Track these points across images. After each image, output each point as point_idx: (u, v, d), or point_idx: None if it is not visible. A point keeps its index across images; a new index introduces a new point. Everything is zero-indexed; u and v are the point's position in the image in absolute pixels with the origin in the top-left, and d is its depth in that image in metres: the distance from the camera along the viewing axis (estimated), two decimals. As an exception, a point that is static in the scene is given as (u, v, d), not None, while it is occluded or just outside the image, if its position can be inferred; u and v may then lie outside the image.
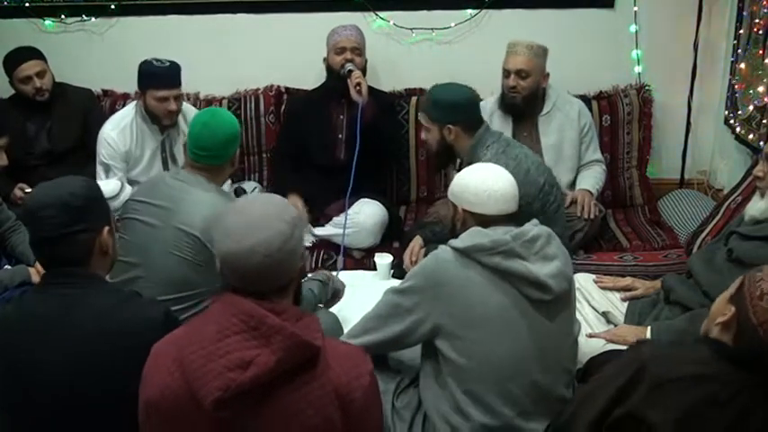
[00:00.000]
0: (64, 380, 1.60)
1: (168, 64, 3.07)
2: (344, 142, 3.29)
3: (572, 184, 3.25)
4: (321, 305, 2.41)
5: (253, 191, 3.48)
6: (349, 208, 3.15)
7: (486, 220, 1.96)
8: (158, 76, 3.05)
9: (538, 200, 2.59)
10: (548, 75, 3.18)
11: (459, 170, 3.11)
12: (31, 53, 3.38)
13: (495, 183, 1.98)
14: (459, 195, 2.04)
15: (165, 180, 2.35)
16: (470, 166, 2.10)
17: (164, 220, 2.25)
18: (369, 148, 3.06)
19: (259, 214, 1.45)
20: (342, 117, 3.33)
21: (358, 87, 3.14)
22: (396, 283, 2.01)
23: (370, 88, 3.34)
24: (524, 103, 3.15)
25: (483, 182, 1.98)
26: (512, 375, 1.87)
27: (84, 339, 1.61)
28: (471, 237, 1.90)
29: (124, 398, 1.57)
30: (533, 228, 1.94)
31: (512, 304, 1.86)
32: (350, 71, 3.21)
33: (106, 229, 1.72)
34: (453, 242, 1.92)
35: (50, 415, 1.61)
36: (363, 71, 3.31)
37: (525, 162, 2.60)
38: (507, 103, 3.18)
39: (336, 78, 3.28)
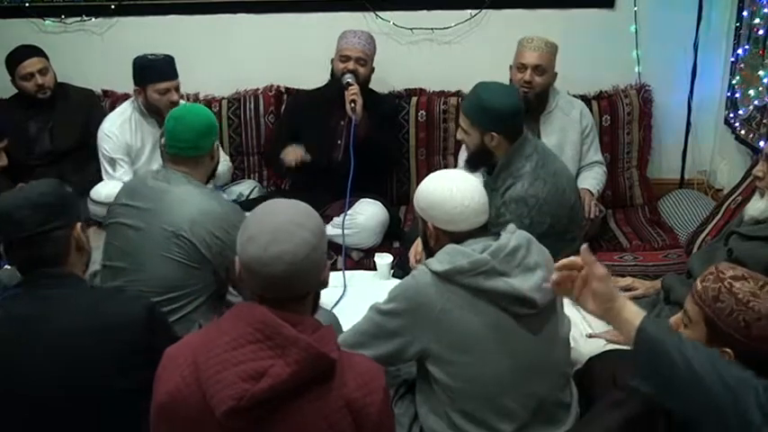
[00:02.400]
0: (50, 380, 1.60)
1: (162, 56, 3.10)
2: (343, 147, 3.26)
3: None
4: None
5: (252, 191, 3.48)
6: (349, 208, 3.16)
7: (459, 237, 1.88)
8: (157, 69, 3.08)
9: (566, 218, 2.54)
10: (556, 74, 3.18)
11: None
12: (34, 51, 3.40)
13: (464, 197, 1.86)
14: (427, 212, 1.93)
15: (145, 182, 2.32)
16: (432, 177, 1.97)
17: (148, 222, 2.23)
18: (366, 158, 3.07)
19: (285, 221, 1.43)
20: (342, 123, 3.28)
21: (352, 105, 3.11)
22: (396, 282, 1.98)
23: (373, 94, 3.34)
24: (536, 100, 3.13)
25: (451, 198, 1.86)
26: (505, 391, 1.83)
27: (68, 339, 1.61)
28: (450, 258, 1.82)
29: (111, 393, 1.59)
30: (511, 238, 1.86)
31: (497, 323, 1.81)
32: (348, 84, 3.17)
33: (79, 224, 1.74)
34: (432, 265, 1.83)
35: (37, 416, 1.61)
36: (367, 81, 3.29)
37: (561, 181, 2.53)
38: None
39: (337, 84, 3.26)
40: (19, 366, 1.61)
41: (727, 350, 1.52)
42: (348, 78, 3.19)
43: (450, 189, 1.88)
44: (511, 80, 3.17)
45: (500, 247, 1.83)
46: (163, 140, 2.33)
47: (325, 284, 1.54)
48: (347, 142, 3.11)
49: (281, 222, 1.42)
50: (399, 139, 3.61)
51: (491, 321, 1.81)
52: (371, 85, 3.40)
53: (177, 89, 3.13)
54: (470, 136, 2.53)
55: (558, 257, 2.53)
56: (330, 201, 3.23)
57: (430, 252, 1.97)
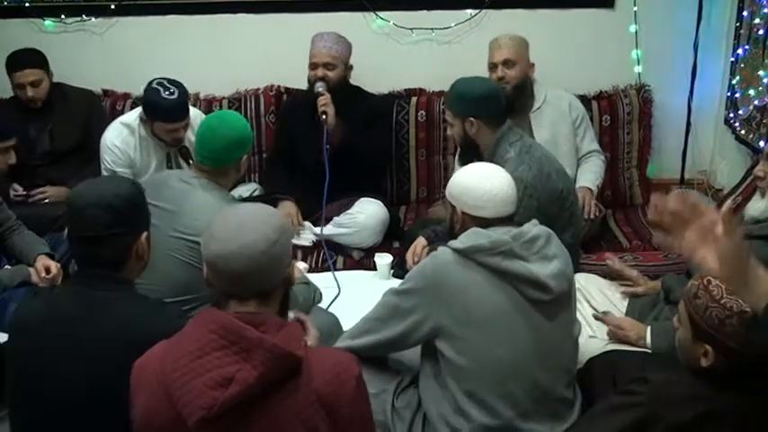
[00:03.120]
0: (81, 382, 1.59)
1: (176, 94, 2.86)
2: (339, 147, 3.20)
3: (573, 180, 3.24)
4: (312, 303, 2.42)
5: (253, 192, 3.48)
6: (350, 208, 3.16)
7: (484, 223, 1.96)
8: (167, 111, 2.90)
9: (555, 205, 2.58)
10: (533, 65, 3.19)
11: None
12: (30, 60, 3.36)
13: (494, 186, 1.96)
14: (457, 198, 2.02)
15: (168, 182, 2.34)
16: (467, 167, 2.08)
17: (166, 222, 2.24)
18: (349, 161, 3.08)
19: (246, 219, 1.47)
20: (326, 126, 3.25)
21: (324, 116, 3.09)
22: (396, 282, 2.00)
23: (358, 94, 3.32)
24: (515, 94, 3.14)
25: (481, 185, 1.96)
26: (512, 375, 1.86)
27: (106, 345, 1.60)
28: (471, 237, 1.90)
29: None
30: (533, 228, 1.94)
31: (511, 304, 1.86)
32: (318, 94, 3.14)
33: (144, 234, 1.73)
34: (453, 243, 1.91)
35: (63, 416, 1.61)
36: (343, 83, 3.24)
37: (547, 166, 2.58)
38: None
39: (312, 90, 3.23)
40: (53, 365, 1.61)
41: (707, 347, 1.54)
42: (319, 88, 3.16)
43: (482, 177, 1.99)
44: None
45: (521, 232, 1.91)
46: (194, 141, 2.35)
47: (290, 282, 1.55)
48: (320, 149, 3.08)
49: (241, 220, 1.46)
50: (389, 137, 3.56)
51: (507, 301, 1.86)
52: (367, 84, 3.38)
53: (186, 127, 2.99)
54: (454, 127, 2.64)
55: None
56: (327, 202, 3.22)
57: (454, 238, 2.01)
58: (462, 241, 1.90)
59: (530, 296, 1.87)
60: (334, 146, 3.08)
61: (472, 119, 2.57)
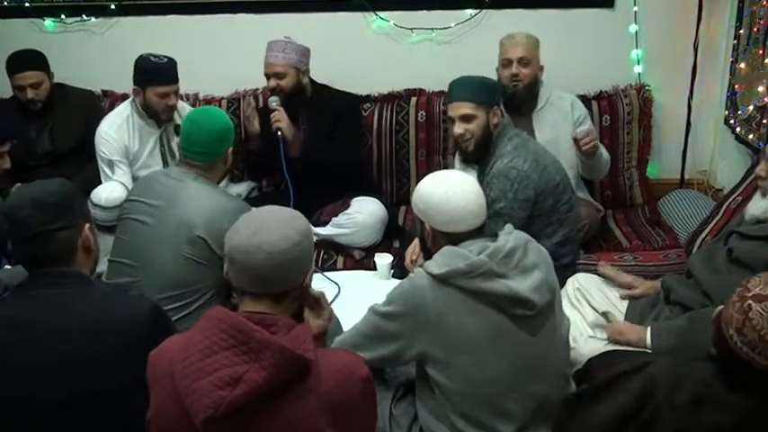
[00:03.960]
0: (52, 380, 1.59)
1: (166, 60, 3.08)
2: (301, 159, 3.18)
3: (575, 180, 3.23)
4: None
5: (251, 191, 3.48)
6: (348, 208, 3.16)
7: (456, 238, 1.89)
8: (159, 73, 3.06)
9: (551, 197, 2.60)
10: (542, 67, 3.19)
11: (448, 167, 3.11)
12: (31, 62, 3.37)
13: (461, 199, 1.87)
14: (425, 213, 1.93)
15: (158, 179, 2.36)
16: (429, 179, 1.96)
17: (159, 218, 2.25)
18: (319, 167, 3.11)
19: (271, 217, 1.50)
20: (302, 127, 3.24)
21: (279, 132, 3.08)
22: (395, 282, 1.99)
23: (323, 94, 3.28)
24: (525, 93, 3.15)
25: (448, 199, 1.87)
26: (505, 393, 1.83)
27: (71, 339, 1.60)
28: (447, 260, 1.82)
29: (114, 393, 1.58)
30: (508, 239, 1.86)
31: (495, 325, 1.81)
32: (271, 110, 3.11)
33: (87, 225, 1.72)
34: (429, 267, 1.83)
35: (39, 416, 1.61)
36: (298, 89, 3.19)
37: (543, 158, 2.62)
38: (508, 94, 3.15)
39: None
40: (17, 369, 1.60)
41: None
42: (272, 103, 3.14)
43: (448, 191, 1.89)
44: (498, 80, 3.18)
45: (497, 248, 1.83)
46: (178, 140, 2.37)
47: (305, 291, 1.56)
48: (303, 150, 3.09)
49: (267, 219, 1.50)
50: (355, 136, 3.44)
51: (489, 323, 1.81)
52: (362, 85, 3.37)
53: (176, 93, 3.13)
54: (478, 119, 2.58)
55: (547, 241, 2.59)
56: (322, 204, 3.23)
57: (427, 252, 1.97)
58: (438, 264, 1.82)
59: (513, 313, 1.81)
60: (294, 157, 3.08)
61: (496, 108, 2.59)
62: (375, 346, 1.88)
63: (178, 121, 3.18)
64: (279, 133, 3.08)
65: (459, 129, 2.61)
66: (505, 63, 3.15)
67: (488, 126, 2.59)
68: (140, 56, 3.09)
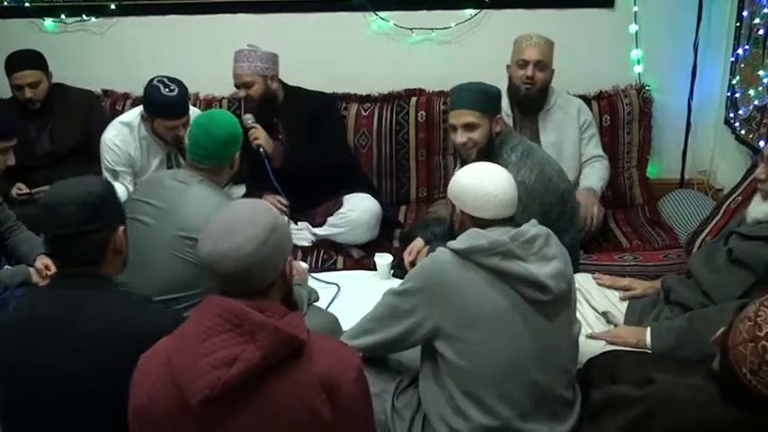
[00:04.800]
0: (68, 382, 1.59)
1: (176, 91, 2.90)
2: (284, 169, 3.14)
3: (575, 184, 3.24)
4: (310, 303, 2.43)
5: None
6: (341, 207, 3.17)
7: (483, 223, 1.95)
8: (167, 108, 2.92)
9: (557, 207, 2.58)
10: (553, 71, 3.19)
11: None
12: (30, 61, 3.36)
13: (494, 188, 1.94)
14: (457, 197, 2.01)
15: (162, 181, 2.36)
16: (469, 167, 2.07)
17: (161, 220, 2.25)
18: (305, 170, 3.10)
19: (234, 219, 1.49)
20: (279, 137, 3.22)
21: (260, 149, 3.07)
22: (396, 282, 2.00)
23: (297, 96, 3.25)
24: (538, 96, 3.15)
25: (482, 186, 1.95)
26: (511, 376, 1.86)
27: (91, 343, 1.60)
28: (469, 238, 1.89)
29: (121, 401, 1.57)
30: (532, 228, 1.93)
31: (510, 305, 1.85)
32: (247, 128, 3.07)
33: (121, 228, 1.74)
34: (451, 244, 1.90)
35: (52, 417, 1.61)
36: (269, 94, 3.16)
37: (549, 169, 2.57)
38: (521, 96, 3.15)
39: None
40: (38, 366, 1.61)
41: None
42: (248, 121, 3.11)
43: (483, 178, 1.97)
44: (510, 78, 3.17)
45: (520, 232, 1.89)
46: (186, 142, 2.36)
47: (287, 279, 1.55)
48: (268, 173, 3.05)
49: (232, 219, 1.49)
50: (337, 133, 3.43)
51: (505, 302, 1.85)
52: (363, 84, 3.37)
53: (185, 125, 2.98)
54: (481, 128, 2.54)
55: None
56: (315, 205, 3.24)
57: (453, 237, 2.00)
58: (461, 242, 1.89)
59: (529, 296, 1.86)
60: (278, 168, 3.08)
61: (499, 116, 2.59)
62: (387, 326, 1.93)
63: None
64: (260, 149, 3.08)
65: (461, 137, 2.56)
66: (521, 64, 3.12)
67: (491, 134, 2.56)
68: (150, 83, 2.91)
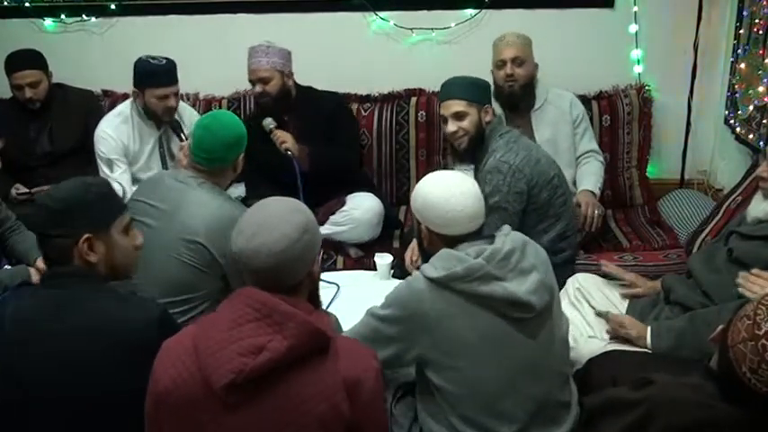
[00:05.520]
0: (56, 380, 1.59)
1: (164, 61, 3.05)
2: (310, 172, 3.10)
3: (572, 184, 3.24)
4: None
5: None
6: (343, 205, 3.16)
7: (452, 240, 1.88)
8: (157, 75, 3.04)
9: (546, 190, 2.63)
10: (537, 65, 3.21)
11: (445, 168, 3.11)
12: (30, 61, 3.37)
13: (459, 202, 1.85)
14: (422, 214, 1.92)
15: (165, 181, 2.34)
16: (430, 179, 1.94)
17: (163, 222, 2.24)
18: (323, 172, 3.07)
19: (270, 215, 1.51)
20: (292, 131, 3.17)
21: (288, 152, 3.02)
22: (396, 283, 1.98)
23: (310, 96, 3.24)
24: (522, 92, 3.18)
25: (446, 201, 1.85)
26: (504, 395, 1.83)
27: (77, 339, 1.60)
28: (444, 263, 1.81)
29: (119, 396, 1.58)
30: (506, 240, 1.85)
31: (494, 328, 1.80)
32: (270, 131, 3.06)
33: (87, 236, 1.67)
34: (427, 271, 1.82)
35: (43, 415, 1.61)
36: (284, 91, 3.15)
37: (536, 152, 2.65)
38: (505, 95, 3.18)
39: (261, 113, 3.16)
40: (26, 365, 1.60)
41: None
42: (270, 125, 3.09)
43: (446, 193, 1.87)
44: (494, 81, 3.18)
45: (495, 251, 1.82)
46: (189, 143, 2.35)
47: (314, 277, 1.59)
48: (297, 177, 2.95)
49: (266, 216, 1.51)
50: (355, 135, 3.44)
51: (487, 327, 1.80)
52: (360, 86, 3.36)
53: (176, 95, 3.10)
54: (470, 116, 2.62)
55: (545, 235, 2.59)
56: (318, 204, 3.21)
57: (424, 253, 1.98)
58: (435, 268, 1.81)
59: (512, 316, 1.80)
60: (306, 169, 3.02)
61: (488, 106, 2.64)
62: (375, 347, 1.84)
63: (182, 123, 3.17)
64: (288, 153, 3.02)
65: (451, 126, 2.65)
66: (499, 64, 3.18)
67: (481, 124, 2.63)
68: (139, 58, 3.06)
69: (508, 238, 1.87)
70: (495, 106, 3.15)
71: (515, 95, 3.18)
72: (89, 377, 1.59)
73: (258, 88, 3.15)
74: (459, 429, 1.84)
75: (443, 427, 1.87)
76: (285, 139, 3.06)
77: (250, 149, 2.91)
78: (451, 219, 1.86)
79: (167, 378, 1.45)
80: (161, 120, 3.14)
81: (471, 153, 2.70)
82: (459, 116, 2.63)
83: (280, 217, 1.50)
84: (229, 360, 1.38)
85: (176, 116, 3.17)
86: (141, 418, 1.54)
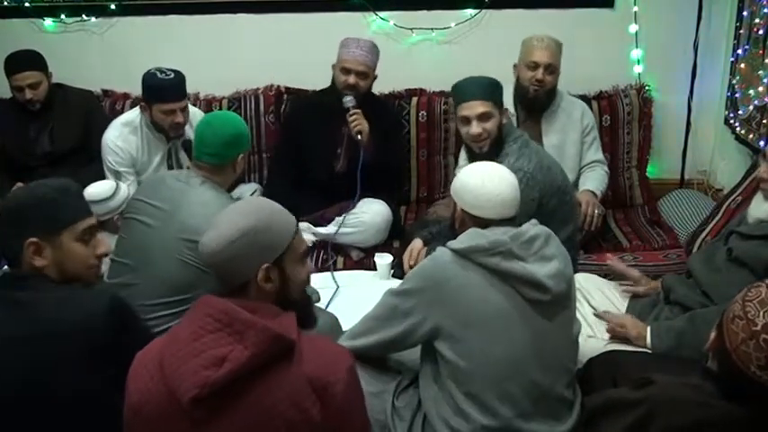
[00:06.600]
0: (10, 388, 1.58)
1: (173, 75, 2.95)
2: (344, 156, 3.20)
3: (574, 186, 3.24)
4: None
5: (254, 193, 3.48)
6: (353, 207, 3.15)
7: (483, 223, 1.95)
8: (164, 90, 2.95)
9: (555, 197, 2.62)
10: (559, 72, 3.19)
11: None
12: (29, 62, 3.36)
13: (495, 187, 1.95)
14: (459, 195, 2.02)
15: (165, 181, 2.35)
16: (473, 166, 2.07)
17: (163, 221, 2.25)
18: (371, 173, 3.06)
19: (223, 215, 1.55)
20: (344, 129, 3.18)
21: (359, 135, 3.03)
22: (396, 283, 2.00)
23: (373, 103, 3.26)
24: (546, 98, 3.16)
25: (483, 185, 1.95)
26: (510, 375, 1.86)
27: (28, 344, 1.59)
28: (469, 238, 1.90)
29: (81, 395, 1.57)
30: (532, 228, 1.93)
31: (510, 305, 1.86)
32: (348, 108, 3.06)
33: (30, 240, 1.66)
34: (451, 243, 1.90)
35: (7, 421, 1.59)
36: (368, 91, 3.20)
37: (546, 159, 2.65)
38: (530, 97, 3.14)
39: (337, 93, 3.15)
40: None
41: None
42: (349, 103, 3.08)
43: (485, 178, 1.97)
44: (518, 79, 3.16)
45: (520, 232, 1.90)
46: (192, 140, 2.37)
47: (262, 282, 1.52)
48: (349, 146, 3.01)
49: (220, 217, 1.55)
50: (402, 146, 3.55)
51: (505, 302, 1.85)
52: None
53: (183, 110, 3.01)
54: (494, 118, 2.58)
55: None
56: (328, 204, 3.22)
57: (454, 236, 2.01)
58: (461, 241, 1.90)
59: (528, 296, 1.86)
60: (366, 160, 3.01)
61: (506, 108, 2.64)
62: (387, 326, 1.93)
63: (189, 132, 3.06)
64: (359, 136, 3.00)
65: (476, 128, 2.56)
66: (531, 66, 3.11)
67: (501, 126, 2.61)
68: (148, 71, 2.97)
69: (535, 227, 1.95)
70: (510, 104, 3.16)
71: (539, 100, 3.15)
72: (45, 382, 1.57)
73: (352, 80, 3.12)
74: (463, 408, 1.86)
75: (448, 407, 1.89)
76: (361, 122, 3.05)
77: (305, 127, 2.93)
78: (485, 201, 1.94)
79: (137, 392, 1.45)
80: (169, 134, 3.10)
81: (490, 155, 2.62)
82: (484, 117, 2.56)
83: (227, 219, 1.53)
84: (194, 373, 1.37)
85: (189, 125, 3.07)
86: (106, 415, 1.54)
